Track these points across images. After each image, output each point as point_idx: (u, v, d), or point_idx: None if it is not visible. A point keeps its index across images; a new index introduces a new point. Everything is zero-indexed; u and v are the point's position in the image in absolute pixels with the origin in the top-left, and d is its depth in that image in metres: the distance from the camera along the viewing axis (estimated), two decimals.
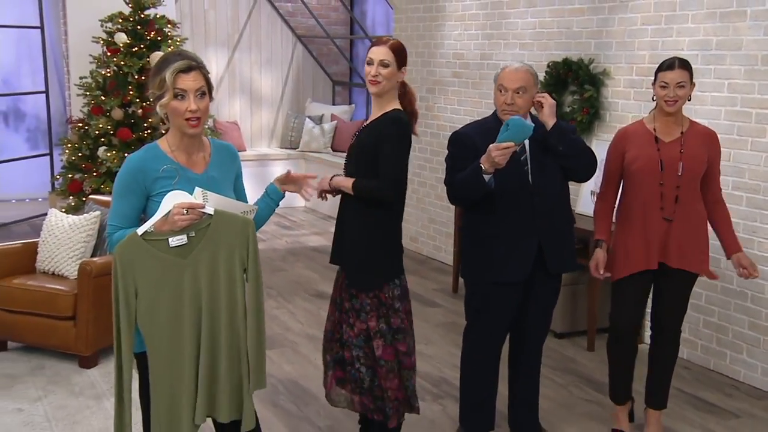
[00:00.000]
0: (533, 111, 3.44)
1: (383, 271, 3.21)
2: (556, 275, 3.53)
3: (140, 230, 2.42)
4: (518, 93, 3.29)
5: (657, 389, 3.75)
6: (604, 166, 3.61)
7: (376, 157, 3.12)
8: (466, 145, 3.38)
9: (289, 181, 2.84)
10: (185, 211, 2.39)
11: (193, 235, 2.46)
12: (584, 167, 3.43)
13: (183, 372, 2.48)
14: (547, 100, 3.32)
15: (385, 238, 3.23)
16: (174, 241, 2.43)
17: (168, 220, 2.41)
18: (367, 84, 3.19)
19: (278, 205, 2.83)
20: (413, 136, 3.25)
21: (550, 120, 3.32)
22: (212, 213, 2.46)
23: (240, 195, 2.76)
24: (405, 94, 3.26)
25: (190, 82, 2.48)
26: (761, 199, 4.38)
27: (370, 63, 3.15)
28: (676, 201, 3.46)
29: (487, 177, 3.21)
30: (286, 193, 2.84)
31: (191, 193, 2.46)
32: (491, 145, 3.14)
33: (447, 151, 3.50)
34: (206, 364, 2.50)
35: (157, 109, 2.52)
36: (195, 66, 2.51)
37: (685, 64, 3.41)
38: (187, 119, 2.49)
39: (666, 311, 3.63)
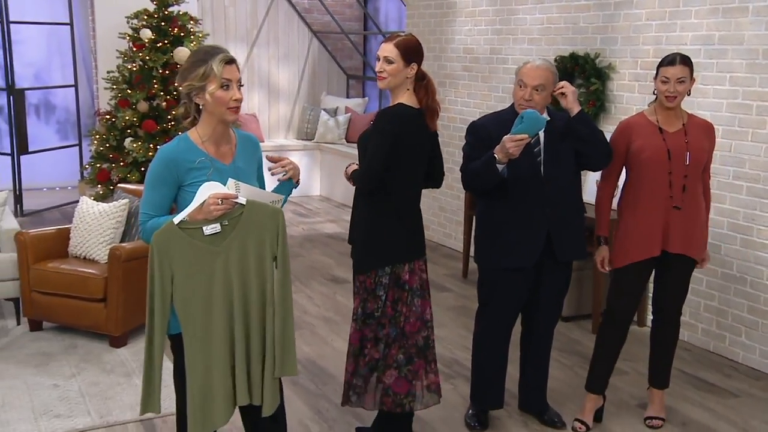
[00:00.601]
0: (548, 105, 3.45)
1: (374, 257, 3.15)
2: (566, 263, 3.53)
3: (176, 219, 2.44)
4: (537, 90, 3.28)
5: (659, 370, 3.75)
6: None
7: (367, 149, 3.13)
8: (481, 135, 3.39)
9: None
10: (220, 201, 2.41)
11: (226, 223, 2.47)
12: (602, 155, 3.44)
13: (216, 354, 2.50)
14: (569, 88, 3.31)
15: (380, 226, 3.15)
16: (208, 229, 2.45)
17: (203, 209, 2.42)
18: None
19: (291, 193, 2.80)
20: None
21: (575, 107, 3.32)
22: (244, 203, 2.48)
23: (260, 183, 2.77)
24: (420, 88, 3.15)
25: (233, 72, 2.52)
26: (761, 188, 4.37)
27: (377, 59, 3.13)
28: (683, 190, 3.45)
29: (500, 167, 3.22)
30: (302, 183, 2.83)
31: (223, 184, 2.47)
32: (506, 137, 3.15)
33: (458, 142, 3.51)
34: (241, 347, 2.52)
35: (206, 97, 2.50)
36: (234, 59, 2.55)
37: (686, 60, 3.38)
38: (231, 108, 2.52)
39: (667, 296, 3.63)
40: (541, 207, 3.38)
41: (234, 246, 2.48)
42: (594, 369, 3.68)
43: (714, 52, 4.57)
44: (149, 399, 2.54)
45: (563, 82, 3.34)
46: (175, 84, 2.60)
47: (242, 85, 2.57)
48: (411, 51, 3.09)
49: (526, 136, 3.12)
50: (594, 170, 3.58)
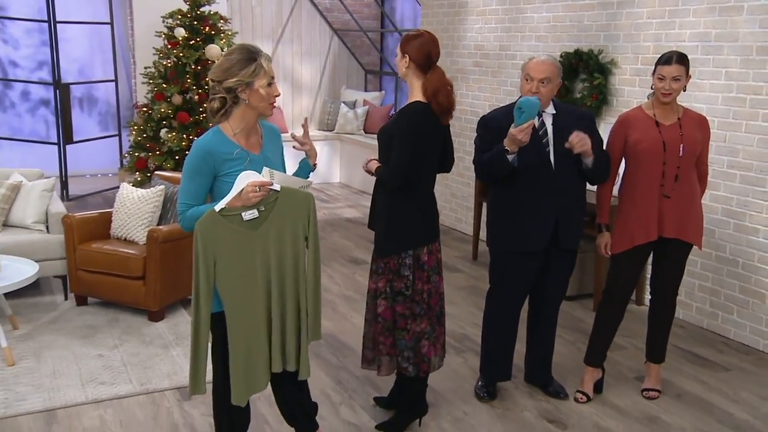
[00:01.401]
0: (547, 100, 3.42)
1: (396, 243, 3.14)
2: (571, 250, 3.52)
3: (217, 207, 2.45)
4: (543, 83, 3.26)
5: (656, 345, 3.74)
6: (606, 149, 3.55)
7: (389, 145, 3.10)
8: (492, 127, 3.38)
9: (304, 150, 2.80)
10: (257, 189, 2.42)
11: (263, 209, 2.48)
12: (600, 179, 3.47)
13: (256, 327, 2.53)
14: (587, 142, 3.24)
15: (401, 215, 3.14)
16: (247, 215, 2.46)
17: (242, 197, 2.43)
18: None
19: (308, 176, 2.80)
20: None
21: (590, 158, 3.31)
22: (279, 189, 2.49)
23: (283, 170, 2.78)
24: (427, 81, 3.07)
25: (273, 70, 2.54)
26: (753, 176, 4.33)
27: None
28: (676, 179, 3.42)
29: (510, 157, 3.22)
30: (323, 171, 2.84)
31: (259, 172, 2.48)
32: (512, 129, 3.14)
33: (469, 133, 3.49)
34: (277, 321, 2.55)
35: (260, 91, 2.49)
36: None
37: (682, 59, 3.33)
38: (272, 103, 2.54)
39: (664, 278, 3.61)
40: (550, 195, 3.36)
41: (271, 229, 2.50)
42: (592, 344, 3.68)
43: (710, 48, 4.52)
44: (197, 382, 2.56)
45: (582, 138, 3.23)
46: (215, 79, 2.56)
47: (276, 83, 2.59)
48: (404, 43, 3.08)
49: (531, 121, 3.12)
50: (591, 184, 3.56)
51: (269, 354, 2.57)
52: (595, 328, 3.66)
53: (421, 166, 3.11)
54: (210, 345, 2.61)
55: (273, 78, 2.53)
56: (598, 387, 3.73)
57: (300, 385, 2.78)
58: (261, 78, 2.48)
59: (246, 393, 2.57)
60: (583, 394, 3.66)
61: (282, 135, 2.80)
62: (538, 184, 3.35)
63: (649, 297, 3.75)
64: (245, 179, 2.44)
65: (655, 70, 3.37)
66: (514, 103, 3.45)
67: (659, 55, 3.46)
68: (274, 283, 2.53)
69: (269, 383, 2.78)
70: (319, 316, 2.65)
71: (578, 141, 3.22)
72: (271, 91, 2.52)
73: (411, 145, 3.04)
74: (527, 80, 3.30)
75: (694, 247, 3.60)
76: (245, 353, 2.54)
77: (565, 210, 3.40)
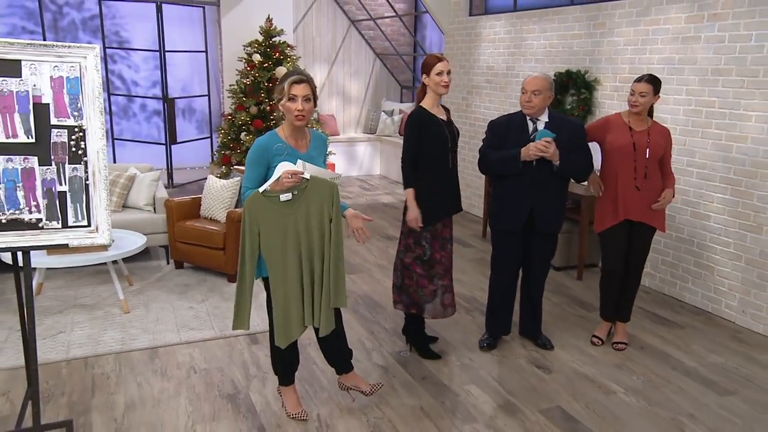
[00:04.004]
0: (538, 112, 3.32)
1: (423, 218, 3.18)
2: (550, 234, 3.42)
3: (261, 189, 2.46)
4: (534, 94, 3.18)
5: (624, 308, 3.66)
6: (588, 126, 3.45)
7: None
8: (496, 130, 3.34)
9: (352, 221, 2.63)
10: (290, 176, 2.42)
11: (296, 193, 2.48)
12: (577, 178, 3.32)
13: (291, 287, 2.52)
14: (549, 151, 3.14)
15: (420, 197, 3.17)
16: (283, 197, 2.46)
17: (279, 182, 2.43)
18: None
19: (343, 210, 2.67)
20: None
21: (556, 159, 3.19)
22: (309, 178, 2.48)
23: (322, 165, 2.74)
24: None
25: (299, 90, 2.50)
26: (706, 173, 4.17)
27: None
28: (645, 177, 3.32)
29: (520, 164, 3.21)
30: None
31: (295, 164, 2.48)
32: (533, 144, 3.14)
33: (482, 136, 3.41)
34: (308, 284, 2.54)
35: (279, 106, 2.54)
36: (305, 80, 2.52)
37: (651, 80, 3.22)
38: (296, 116, 2.51)
39: (633, 254, 3.52)
40: (529, 187, 3.28)
41: (301, 209, 2.49)
42: (603, 306, 3.65)
43: (674, 70, 4.34)
44: (237, 320, 2.52)
45: (547, 147, 3.13)
46: (274, 98, 2.60)
47: (309, 99, 2.50)
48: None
49: (544, 148, 3.10)
50: (575, 181, 3.43)
51: (302, 310, 2.55)
52: (602, 296, 3.63)
53: (427, 157, 3.10)
54: (252, 292, 2.60)
55: (296, 95, 2.47)
56: (610, 334, 3.72)
57: (338, 335, 2.78)
58: (284, 96, 2.49)
59: (285, 338, 2.56)
60: (598, 338, 3.66)
61: (329, 140, 2.79)
62: (521, 178, 3.28)
63: None
64: (282, 168, 2.43)
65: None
66: (517, 112, 3.37)
67: (634, 76, 3.35)
68: (304, 253, 2.50)
69: (315, 333, 2.80)
70: (342, 286, 2.56)
71: (539, 149, 3.14)
72: (292, 106, 2.48)
73: (410, 138, 3.08)
74: (523, 92, 3.23)
75: (659, 230, 3.49)
76: (283, 306, 2.53)
77: (541, 200, 3.31)
